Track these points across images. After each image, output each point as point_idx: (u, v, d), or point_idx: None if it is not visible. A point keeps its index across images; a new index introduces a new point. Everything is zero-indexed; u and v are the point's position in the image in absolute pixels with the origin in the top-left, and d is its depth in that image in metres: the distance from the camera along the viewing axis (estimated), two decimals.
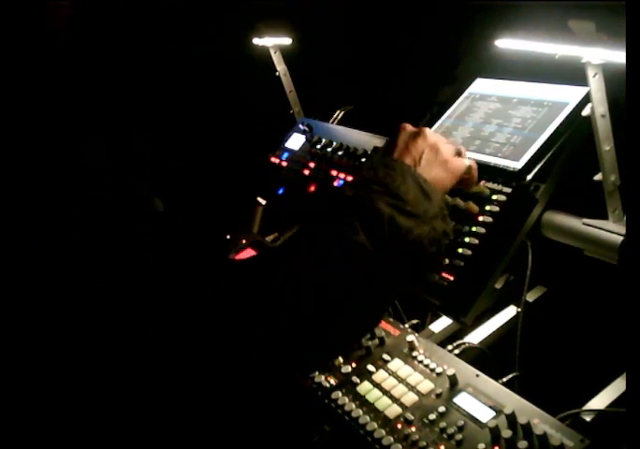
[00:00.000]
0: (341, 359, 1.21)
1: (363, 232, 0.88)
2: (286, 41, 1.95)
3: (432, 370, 1.12)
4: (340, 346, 0.97)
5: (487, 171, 1.25)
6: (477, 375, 1.09)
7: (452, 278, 1.18)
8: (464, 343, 1.24)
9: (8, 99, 0.81)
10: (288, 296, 0.84)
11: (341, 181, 1.64)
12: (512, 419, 0.97)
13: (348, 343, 1.05)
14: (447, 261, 1.19)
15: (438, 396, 1.07)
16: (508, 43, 1.19)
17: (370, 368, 1.18)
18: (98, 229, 0.79)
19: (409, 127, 1.06)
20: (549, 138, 1.23)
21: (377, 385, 1.14)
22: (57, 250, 0.77)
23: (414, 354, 1.17)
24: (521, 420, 0.95)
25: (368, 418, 1.08)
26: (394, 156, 1.00)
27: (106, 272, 0.78)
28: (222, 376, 0.82)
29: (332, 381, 1.18)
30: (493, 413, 1.01)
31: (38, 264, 0.77)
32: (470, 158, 1.11)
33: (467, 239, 1.19)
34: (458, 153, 1.08)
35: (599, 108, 1.11)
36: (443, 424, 1.02)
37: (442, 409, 1.04)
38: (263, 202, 1.96)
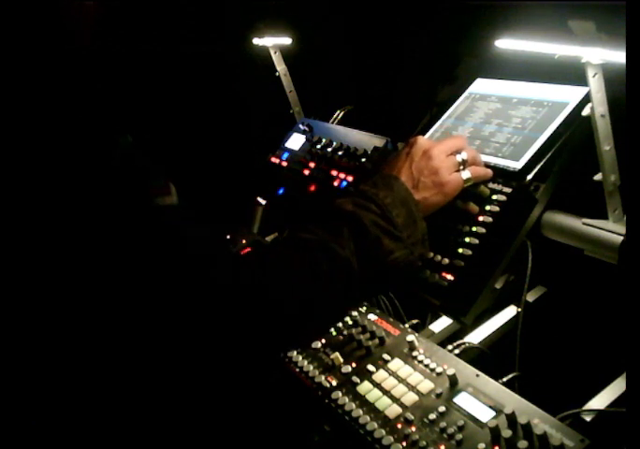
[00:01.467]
0: (341, 359, 1.21)
1: (353, 249, 0.98)
2: (286, 41, 1.95)
3: (432, 370, 1.12)
4: (310, 336, 1.14)
5: None
6: (477, 375, 1.09)
7: (452, 278, 1.18)
8: (464, 343, 1.24)
9: (26, 97, 0.82)
10: (274, 295, 0.91)
11: (344, 182, 1.64)
12: (512, 419, 0.97)
13: (318, 334, 1.24)
14: (447, 261, 1.19)
15: (438, 396, 1.07)
16: (508, 43, 1.19)
17: (371, 368, 1.18)
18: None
19: (420, 142, 1.14)
20: (549, 138, 1.23)
21: (377, 385, 1.14)
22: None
23: (414, 353, 1.17)
24: (521, 420, 0.95)
25: (368, 418, 1.08)
26: (397, 174, 1.10)
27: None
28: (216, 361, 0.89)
29: (332, 381, 1.18)
30: (493, 413, 1.01)
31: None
32: (470, 168, 1.15)
33: (467, 239, 1.19)
34: (463, 165, 1.14)
35: (599, 108, 1.11)
36: (443, 424, 1.02)
37: (442, 409, 1.04)
38: (263, 202, 1.96)
